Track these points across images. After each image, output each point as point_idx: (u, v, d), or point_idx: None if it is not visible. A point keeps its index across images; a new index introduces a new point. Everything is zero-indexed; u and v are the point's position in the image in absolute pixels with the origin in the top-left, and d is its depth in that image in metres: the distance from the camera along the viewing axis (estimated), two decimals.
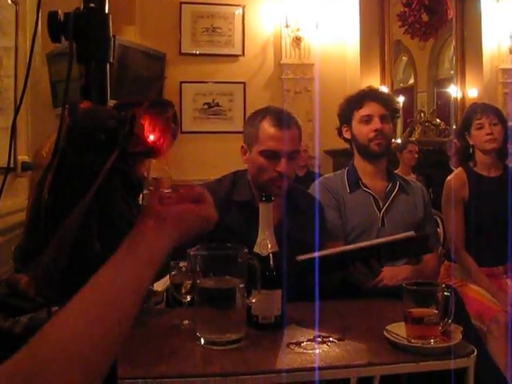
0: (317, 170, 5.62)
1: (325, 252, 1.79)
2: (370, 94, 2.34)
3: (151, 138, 0.79)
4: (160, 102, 0.84)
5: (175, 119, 0.83)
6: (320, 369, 1.23)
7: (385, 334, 1.38)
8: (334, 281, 1.93)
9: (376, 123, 2.26)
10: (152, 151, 0.81)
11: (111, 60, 0.96)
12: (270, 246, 1.51)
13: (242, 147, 2.03)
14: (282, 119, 1.94)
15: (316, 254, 1.77)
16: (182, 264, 1.56)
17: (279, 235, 1.83)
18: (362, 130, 2.30)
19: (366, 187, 2.32)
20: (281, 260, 1.53)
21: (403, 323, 1.39)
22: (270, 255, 1.51)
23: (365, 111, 2.29)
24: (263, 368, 1.24)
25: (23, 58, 2.42)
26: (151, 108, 0.81)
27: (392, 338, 1.36)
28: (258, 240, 1.53)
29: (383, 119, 2.27)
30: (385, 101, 2.32)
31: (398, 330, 1.38)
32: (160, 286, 1.99)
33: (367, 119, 2.28)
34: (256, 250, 1.51)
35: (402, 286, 1.39)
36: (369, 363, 1.27)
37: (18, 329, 1.40)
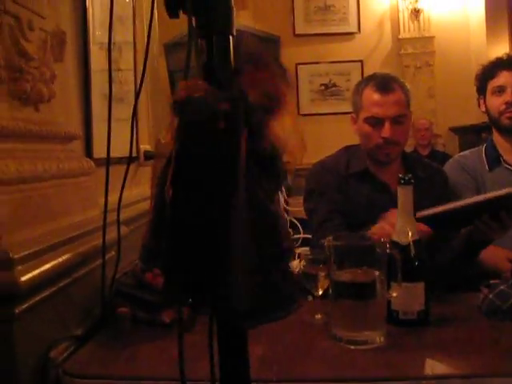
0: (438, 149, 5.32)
1: (447, 206, 1.64)
2: (505, 62, 2.12)
3: (266, 93, 0.70)
4: (257, 58, 0.75)
5: (280, 65, 0.73)
6: (475, 376, 1.07)
7: None
8: (456, 246, 1.82)
9: (508, 94, 2.06)
10: (272, 105, 0.71)
11: (234, 33, 0.86)
12: (410, 233, 1.35)
13: (352, 117, 1.98)
14: (385, 83, 1.88)
15: (437, 209, 1.64)
16: (309, 253, 1.46)
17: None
18: (494, 102, 2.12)
19: (508, 164, 2.10)
20: (422, 249, 1.37)
21: None
22: (411, 244, 1.35)
23: (497, 81, 2.11)
24: (410, 373, 1.10)
25: (141, 50, 2.43)
26: (253, 67, 0.71)
27: None
28: (397, 227, 1.38)
29: None
30: None
31: None
32: None
33: (499, 90, 2.10)
34: (395, 238, 1.37)
35: None
36: None
37: None
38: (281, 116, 0.76)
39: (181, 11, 0.87)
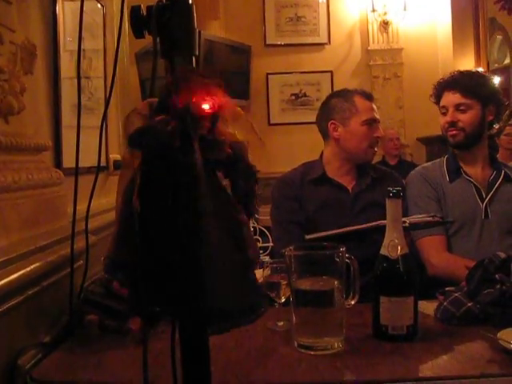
0: (404, 158, 5.41)
1: (334, 232, 1.87)
2: (448, 83, 2.19)
3: (205, 105, 0.76)
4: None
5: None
6: (428, 379, 1.13)
7: (499, 341, 1.24)
8: None
9: (449, 115, 2.15)
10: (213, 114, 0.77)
11: (196, 53, 0.91)
12: (399, 247, 1.35)
13: (333, 123, 2.16)
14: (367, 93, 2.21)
15: (326, 233, 1.86)
16: (275, 263, 1.50)
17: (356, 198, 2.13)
18: (441, 121, 2.21)
19: (468, 175, 2.17)
20: (412, 263, 1.37)
21: None
22: (400, 258, 1.35)
23: (442, 101, 2.20)
24: (366, 376, 1.15)
25: (112, 59, 2.44)
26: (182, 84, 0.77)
27: (506, 346, 1.23)
28: (386, 241, 1.37)
29: (460, 109, 2.13)
30: (466, 88, 2.13)
31: None
32: None
33: (444, 111, 2.18)
34: (383, 252, 1.36)
35: None
36: (482, 374, 1.15)
37: None
38: (231, 120, 0.82)
39: (146, 32, 0.92)
